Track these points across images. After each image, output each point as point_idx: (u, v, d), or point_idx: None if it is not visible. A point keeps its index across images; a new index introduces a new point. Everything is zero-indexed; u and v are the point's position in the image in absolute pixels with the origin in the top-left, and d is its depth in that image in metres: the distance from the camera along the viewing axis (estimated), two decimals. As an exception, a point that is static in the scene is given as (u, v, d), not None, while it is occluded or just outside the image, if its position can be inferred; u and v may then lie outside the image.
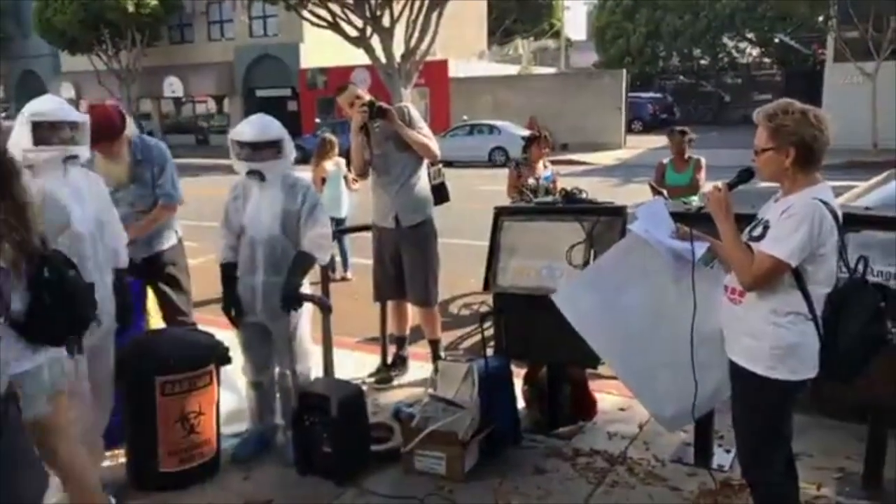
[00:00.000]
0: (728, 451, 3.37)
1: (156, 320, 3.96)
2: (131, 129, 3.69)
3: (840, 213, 2.26)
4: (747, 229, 2.40)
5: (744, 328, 2.33)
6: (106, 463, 3.40)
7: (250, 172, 3.33)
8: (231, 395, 3.80)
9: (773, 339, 2.26)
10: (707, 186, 5.86)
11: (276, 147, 3.32)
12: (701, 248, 2.57)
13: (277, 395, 3.60)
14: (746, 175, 2.43)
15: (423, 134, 4.29)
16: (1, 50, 33.63)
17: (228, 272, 3.47)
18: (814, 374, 2.30)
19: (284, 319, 3.36)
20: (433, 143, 4.35)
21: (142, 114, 32.58)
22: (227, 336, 3.59)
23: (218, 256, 3.52)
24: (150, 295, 3.93)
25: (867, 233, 2.91)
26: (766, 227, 2.29)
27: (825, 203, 2.20)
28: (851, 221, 2.62)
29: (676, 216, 2.77)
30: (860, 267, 2.30)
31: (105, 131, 3.40)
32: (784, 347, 2.26)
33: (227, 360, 3.40)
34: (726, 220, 2.32)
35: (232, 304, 3.47)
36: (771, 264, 2.19)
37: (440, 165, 4.58)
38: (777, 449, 2.41)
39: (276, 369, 3.54)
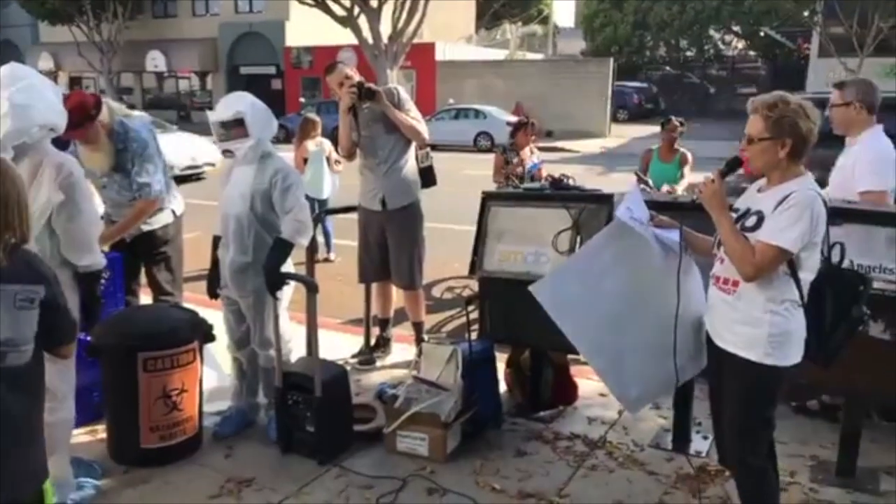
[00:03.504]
0: (705, 438, 3.43)
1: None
2: (111, 115, 3.59)
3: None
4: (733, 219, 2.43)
5: (738, 317, 2.37)
6: (86, 438, 3.40)
7: (224, 152, 3.32)
8: (214, 372, 3.80)
9: (770, 326, 2.30)
10: (687, 179, 5.91)
11: (241, 124, 3.24)
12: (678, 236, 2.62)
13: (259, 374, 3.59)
14: (735, 164, 2.45)
15: (412, 116, 4.27)
16: (-23, 18, 32.90)
17: (216, 245, 3.48)
18: (800, 359, 2.35)
19: (252, 298, 3.35)
20: (422, 126, 4.33)
21: (123, 88, 32.07)
22: (213, 314, 3.57)
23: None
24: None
25: (847, 226, 2.96)
26: (760, 218, 2.31)
27: (818, 194, 2.26)
28: (832, 214, 2.67)
29: (660, 205, 2.78)
30: (836, 253, 2.39)
31: (75, 118, 3.22)
32: (782, 334, 2.31)
33: (211, 338, 3.40)
34: (722, 211, 2.34)
35: (211, 278, 3.49)
36: (774, 254, 2.23)
37: (428, 149, 4.56)
38: (765, 434, 2.46)
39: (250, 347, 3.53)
